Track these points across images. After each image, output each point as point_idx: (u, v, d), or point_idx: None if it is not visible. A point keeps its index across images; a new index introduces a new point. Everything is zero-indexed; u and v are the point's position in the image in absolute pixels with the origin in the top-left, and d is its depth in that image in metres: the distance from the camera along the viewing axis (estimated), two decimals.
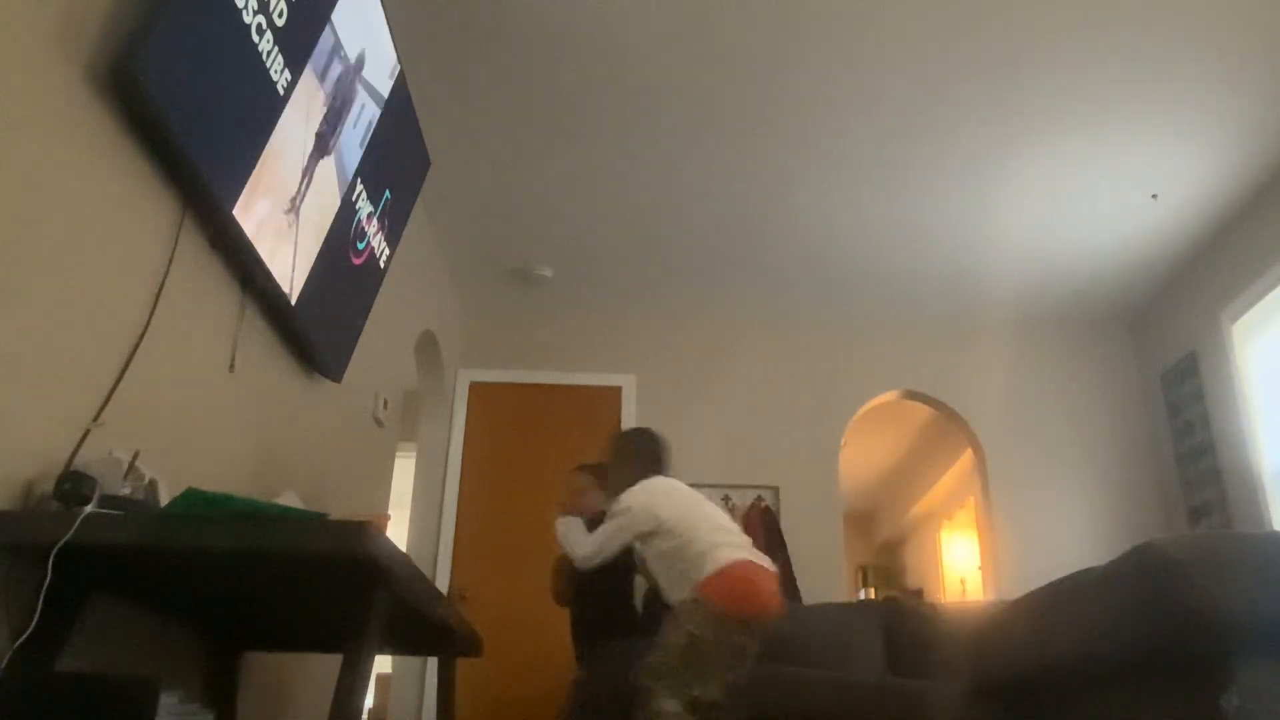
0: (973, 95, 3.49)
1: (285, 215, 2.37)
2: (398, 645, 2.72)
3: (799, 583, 4.45)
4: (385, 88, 2.89)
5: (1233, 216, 4.21)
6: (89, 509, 1.50)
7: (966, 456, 6.00)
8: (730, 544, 2.53)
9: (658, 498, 2.70)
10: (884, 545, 9.31)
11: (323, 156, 2.53)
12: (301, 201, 2.45)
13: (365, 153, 2.81)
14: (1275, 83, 3.40)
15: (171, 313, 2.03)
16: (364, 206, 2.90)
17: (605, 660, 2.91)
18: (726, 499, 4.52)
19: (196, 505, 1.53)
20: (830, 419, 5.00)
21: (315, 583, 1.75)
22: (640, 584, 3.30)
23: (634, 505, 2.65)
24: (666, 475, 2.85)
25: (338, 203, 2.70)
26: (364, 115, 2.76)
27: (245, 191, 2.13)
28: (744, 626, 2.39)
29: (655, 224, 4.40)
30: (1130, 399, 5.07)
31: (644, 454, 2.92)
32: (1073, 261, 4.64)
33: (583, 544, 2.69)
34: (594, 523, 3.33)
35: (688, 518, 2.62)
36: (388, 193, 3.07)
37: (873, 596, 8.12)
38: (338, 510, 1.89)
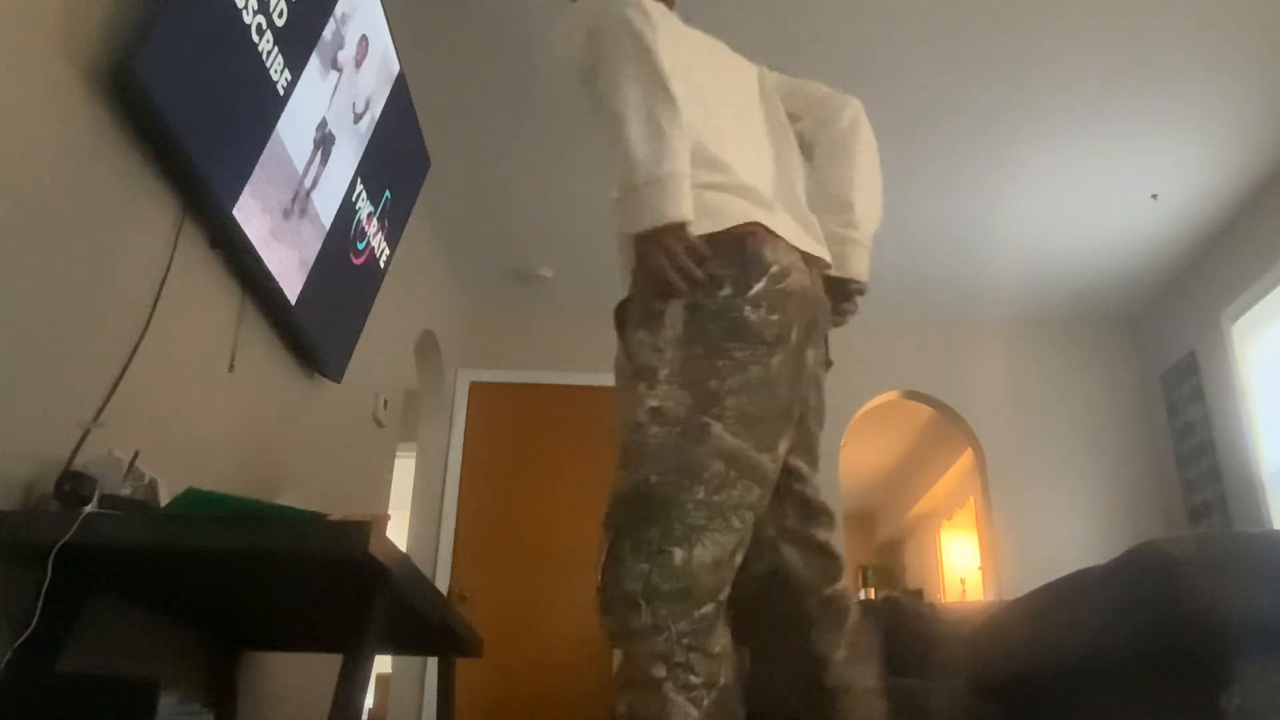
0: (973, 96, 3.49)
1: (285, 215, 2.37)
2: (398, 645, 2.72)
3: None
4: (385, 88, 2.89)
5: (1233, 216, 4.21)
6: (89, 509, 1.50)
7: (966, 456, 6.00)
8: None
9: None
10: (884, 545, 9.31)
11: (323, 156, 2.53)
12: (301, 201, 2.45)
13: (365, 153, 2.81)
14: (1275, 83, 3.40)
15: (171, 313, 2.03)
16: (364, 206, 2.90)
17: None
18: None
19: (196, 505, 1.53)
20: (830, 419, 4.98)
21: (315, 583, 1.75)
22: None
23: None
24: None
25: (338, 203, 2.70)
26: (364, 115, 2.77)
27: (245, 191, 2.14)
28: None
29: None
30: (1130, 399, 5.07)
31: None
32: (1073, 261, 4.64)
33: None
34: None
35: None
36: (388, 193, 3.07)
37: (872, 596, 8.12)
38: (338, 510, 1.89)
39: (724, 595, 1.37)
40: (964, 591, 7.27)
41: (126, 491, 1.64)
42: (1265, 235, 4.02)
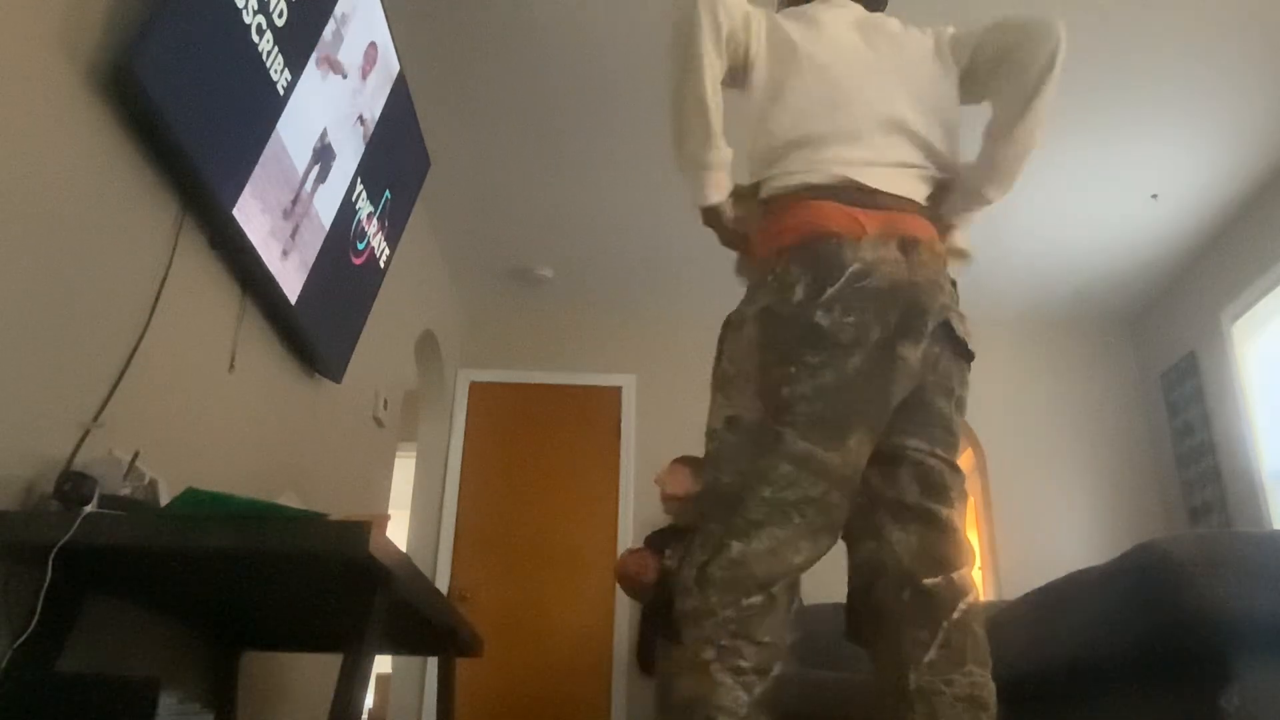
0: None
1: (285, 215, 2.37)
2: (398, 645, 2.72)
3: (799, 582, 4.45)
4: (385, 88, 2.89)
5: (1233, 216, 4.21)
6: (89, 509, 1.50)
7: (966, 456, 6.00)
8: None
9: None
10: None
11: (323, 157, 2.53)
12: (302, 201, 2.45)
13: (365, 153, 2.81)
14: (1275, 83, 3.40)
15: (171, 313, 2.03)
16: (364, 206, 2.90)
17: None
18: None
19: (196, 505, 1.53)
20: None
21: (315, 583, 1.75)
22: None
23: None
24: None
25: (338, 203, 2.70)
26: (364, 115, 2.76)
27: (245, 191, 2.13)
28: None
29: (655, 224, 4.40)
30: (1130, 399, 5.07)
31: None
32: (1073, 261, 4.64)
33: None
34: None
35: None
36: (388, 193, 3.07)
37: None
38: (338, 510, 1.89)
39: (776, 588, 1.40)
40: None
41: (126, 491, 1.64)
42: (1265, 235, 4.01)
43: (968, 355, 1.58)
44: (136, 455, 1.70)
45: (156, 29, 1.76)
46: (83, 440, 1.71)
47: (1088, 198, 4.10)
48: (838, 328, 1.42)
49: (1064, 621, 2.03)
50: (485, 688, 4.30)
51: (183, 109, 1.87)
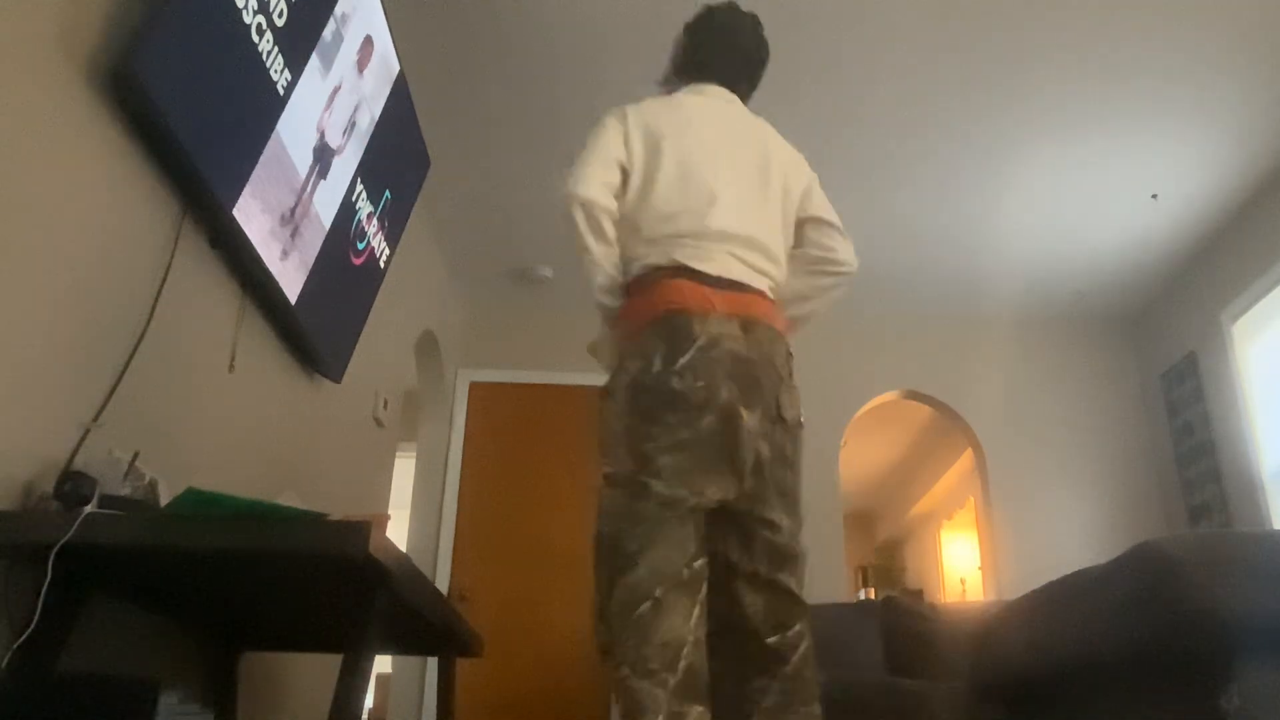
0: (974, 96, 3.49)
1: (285, 215, 2.37)
2: (398, 645, 2.72)
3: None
4: (385, 88, 2.89)
5: (1233, 216, 4.21)
6: (89, 509, 1.50)
7: (966, 456, 6.00)
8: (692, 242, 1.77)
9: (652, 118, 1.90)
10: (884, 545, 9.31)
11: (323, 156, 2.53)
12: (302, 201, 2.45)
13: (365, 153, 2.81)
14: (1276, 83, 3.40)
15: (171, 313, 2.03)
16: (364, 206, 2.90)
17: None
18: None
19: (196, 505, 1.53)
20: (830, 419, 5.00)
21: (315, 583, 1.75)
22: None
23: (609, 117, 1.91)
24: (722, 86, 2.03)
25: (338, 202, 2.70)
26: (364, 115, 2.76)
27: (245, 191, 2.14)
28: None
29: None
30: (1130, 399, 5.07)
31: (691, 49, 2.14)
32: (1073, 262, 4.64)
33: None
34: None
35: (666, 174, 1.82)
36: (388, 193, 3.07)
37: (872, 596, 8.12)
38: (338, 510, 1.89)
39: (659, 592, 1.58)
40: (964, 591, 7.27)
41: (126, 491, 1.64)
42: (1265, 235, 4.02)
43: (797, 425, 1.80)
44: (136, 455, 1.70)
45: (156, 29, 1.76)
46: (83, 440, 1.71)
47: (1088, 198, 4.11)
48: (691, 391, 1.64)
49: (1064, 621, 2.03)
50: (485, 688, 4.30)
51: (183, 109, 1.87)
